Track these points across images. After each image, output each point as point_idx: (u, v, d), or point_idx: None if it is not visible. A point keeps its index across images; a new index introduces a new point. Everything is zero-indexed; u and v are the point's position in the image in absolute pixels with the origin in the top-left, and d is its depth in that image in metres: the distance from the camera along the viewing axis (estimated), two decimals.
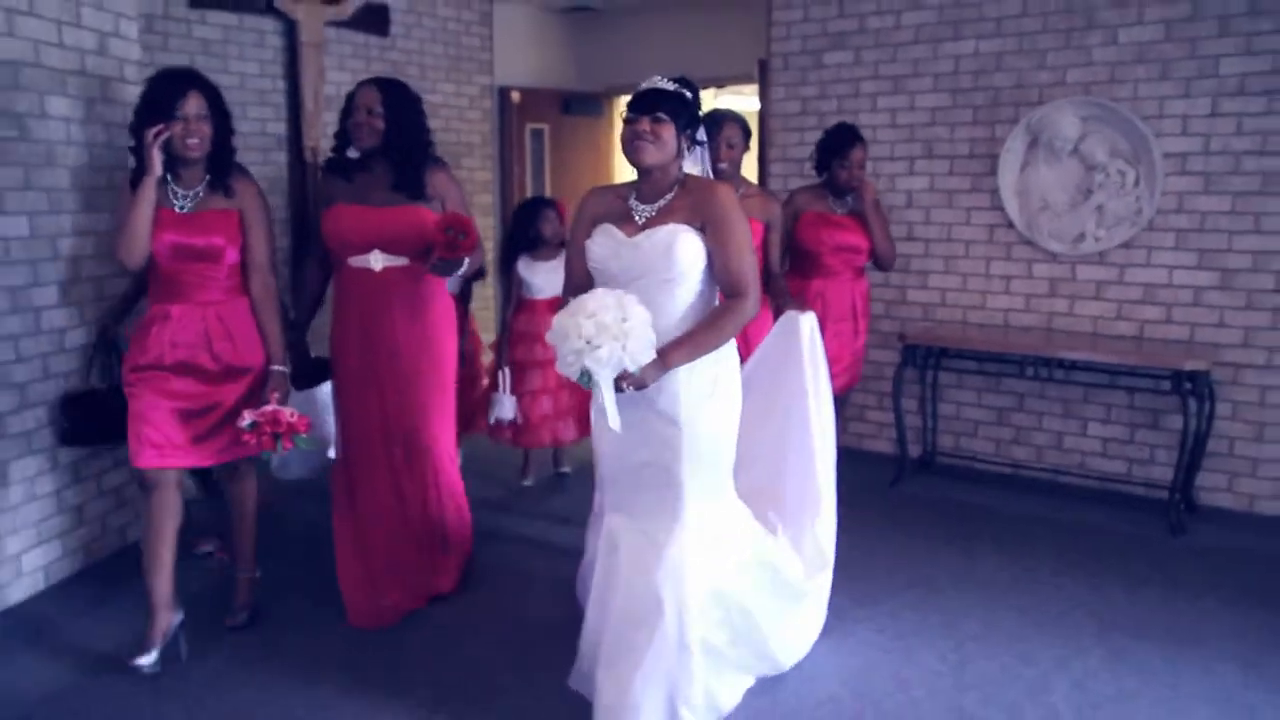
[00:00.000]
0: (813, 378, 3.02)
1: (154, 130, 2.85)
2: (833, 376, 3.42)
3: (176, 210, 2.94)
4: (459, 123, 6.52)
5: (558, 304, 4.23)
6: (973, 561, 3.70)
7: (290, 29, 5.44)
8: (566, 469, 4.86)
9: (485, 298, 6.18)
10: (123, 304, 3.52)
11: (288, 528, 3.96)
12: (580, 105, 7.23)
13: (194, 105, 2.88)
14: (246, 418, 2.88)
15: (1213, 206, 4.22)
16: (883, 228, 4.09)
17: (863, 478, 4.47)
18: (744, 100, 7.34)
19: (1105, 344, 4.35)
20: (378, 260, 3.18)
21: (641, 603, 2.55)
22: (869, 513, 4.12)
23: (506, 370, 4.45)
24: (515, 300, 4.56)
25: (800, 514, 3.03)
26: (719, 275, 2.58)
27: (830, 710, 2.71)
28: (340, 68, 5.65)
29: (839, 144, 4.03)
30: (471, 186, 6.46)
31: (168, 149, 2.89)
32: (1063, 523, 4.15)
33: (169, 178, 2.95)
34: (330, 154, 3.30)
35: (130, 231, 2.87)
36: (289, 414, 2.92)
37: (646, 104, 2.57)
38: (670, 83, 2.62)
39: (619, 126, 6.75)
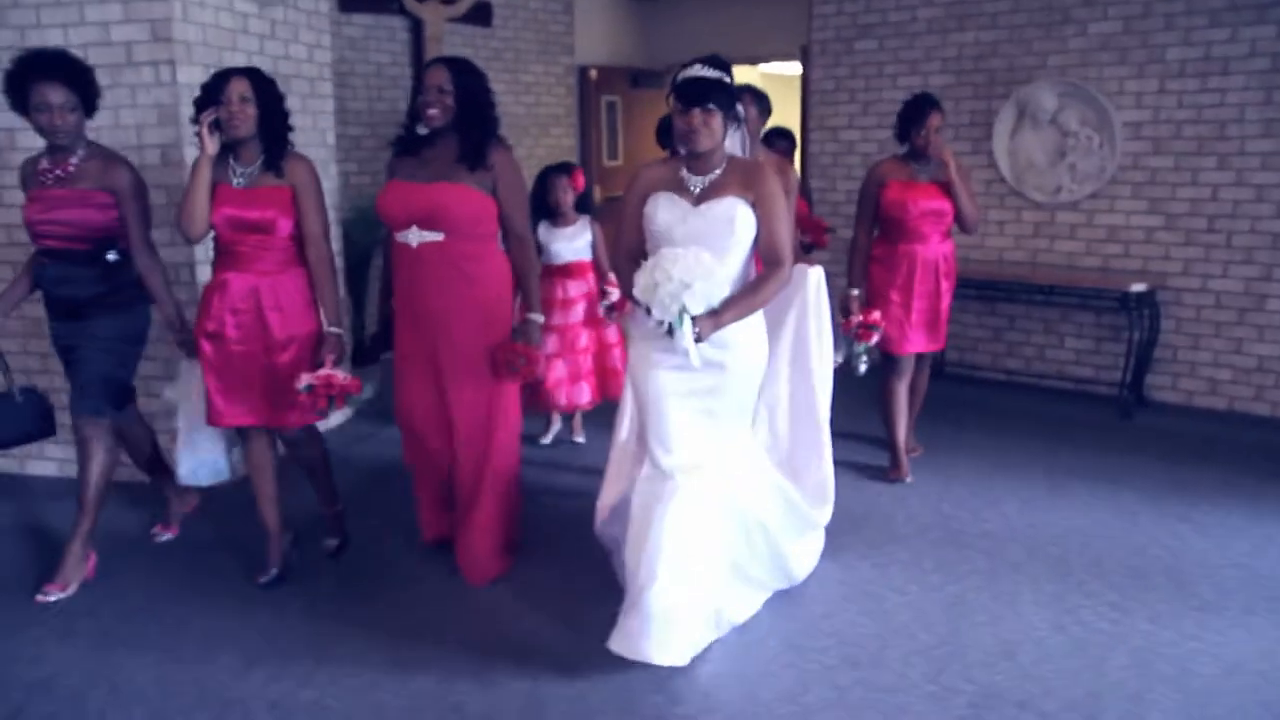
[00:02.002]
0: (816, 328, 3.31)
1: (205, 114, 3.06)
2: (917, 336, 4.17)
3: (234, 186, 3.12)
4: (547, 97, 7.73)
5: (574, 269, 4.47)
6: (960, 434, 4.90)
7: (416, 25, 6.66)
8: (580, 438, 4.84)
9: None
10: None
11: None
12: (647, 80, 8.41)
13: (236, 90, 3.04)
14: (303, 380, 3.08)
15: (1160, 164, 5.34)
16: (969, 194, 4.14)
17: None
18: (786, 69, 8.46)
19: (1078, 274, 5.51)
20: (415, 236, 3.16)
21: (687, 528, 2.75)
22: None
23: None
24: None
25: (805, 451, 3.37)
26: (762, 244, 2.81)
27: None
28: (455, 54, 6.87)
29: (915, 113, 4.10)
30: (559, 151, 7.66)
31: (219, 129, 3.08)
32: (1038, 413, 5.34)
33: (231, 157, 3.14)
34: (401, 129, 3.27)
35: (187, 205, 3.08)
36: (342, 377, 3.09)
37: (696, 95, 2.69)
38: (710, 69, 2.74)
39: None
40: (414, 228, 3.15)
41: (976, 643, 2.92)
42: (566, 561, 3.51)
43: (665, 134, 3.99)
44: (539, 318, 3.31)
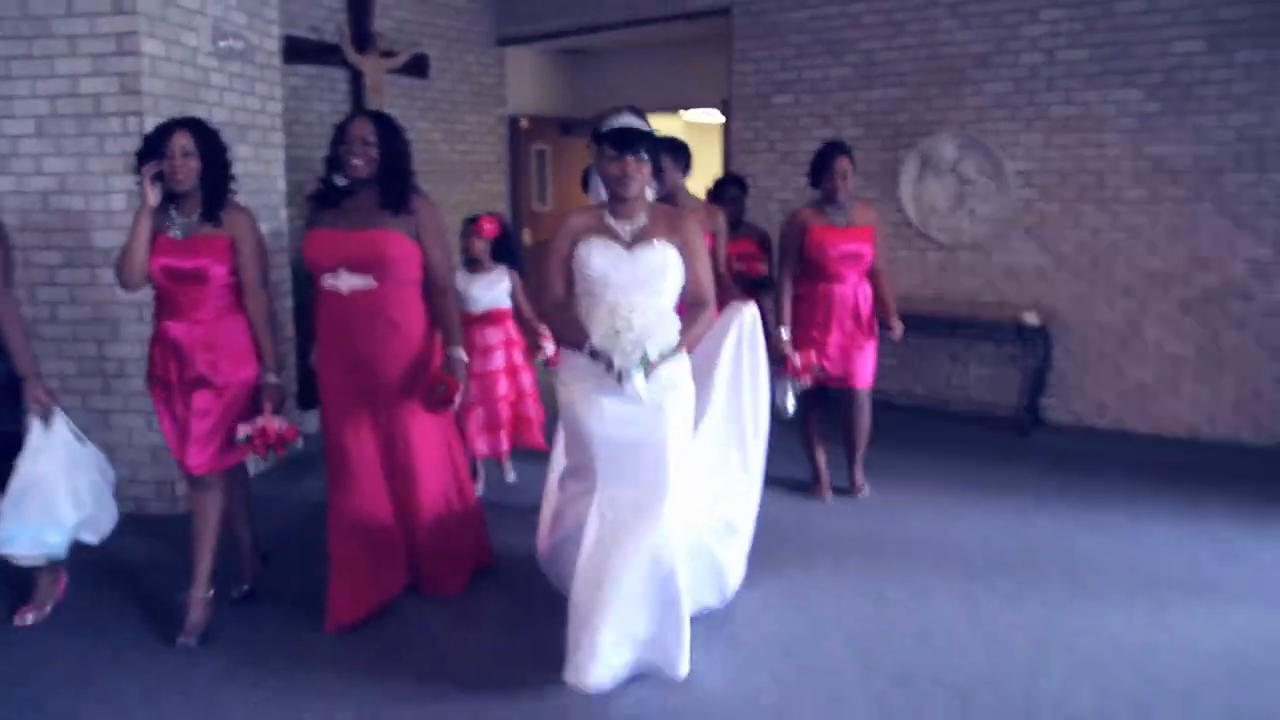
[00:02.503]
0: (750, 363, 3.47)
1: (147, 166, 3.08)
2: (837, 371, 4.38)
3: (171, 236, 3.15)
4: (480, 145, 8.06)
5: (492, 317, 4.48)
6: (877, 454, 5.29)
7: (356, 77, 6.93)
8: (512, 476, 4.84)
9: None
10: None
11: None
12: (575, 128, 8.82)
13: (179, 143, 3.09)
14: (240, 431, 3.12)
15: (1048, 209, 5.92)
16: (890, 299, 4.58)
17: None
18: (709, 116, 8.96)
19: (978, 308, 6.03)
20: (345, 281, 3.25)
21: (640, 560, 2.83)
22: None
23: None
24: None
25: (733, 476, 3.50)
26: (689, 287, 2.99)
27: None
28: (391, 105, 7.12)
29: (824, 159, 4.36)
30: (491, 197, 8.01)
31: (161, 181, 3.10)
32: (945, 433, 5.81)
33: (172, 208, 3.17)
34: (319, 183, 3.38)
35: (128, 256, 3.12)
36: (279, 425, 3.13)
37: (628, 143, 2.88)
38: (638, 119, 2.97)
39: None
40: (342, 271, 3.24)
41: (896, 630, 3.29)
42: (520, 586, 3.64)
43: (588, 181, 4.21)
44: (461, 353, 3.36)
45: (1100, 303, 5.82)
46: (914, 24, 6.22)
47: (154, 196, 3.09)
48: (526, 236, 8.21)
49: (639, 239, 2.94)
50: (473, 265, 4.56)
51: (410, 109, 7.26)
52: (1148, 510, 4.41)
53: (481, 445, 4.55)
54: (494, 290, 4.55)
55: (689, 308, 3.00)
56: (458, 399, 3.30)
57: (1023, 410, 5.88)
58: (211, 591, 3.29)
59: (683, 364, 3.00)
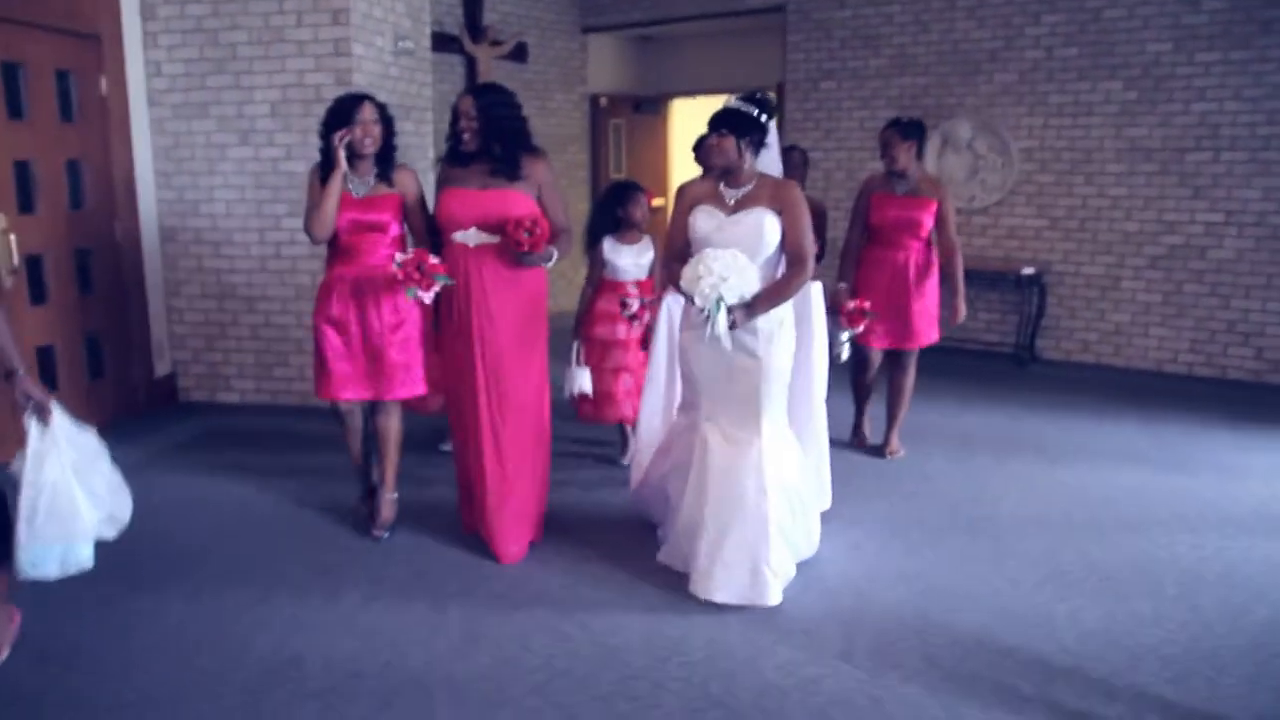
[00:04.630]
0: (816, 332, 3.61)
1: (339, 134, 3.42)
2: (883, 333, 4.61)
3: (353, 195, 3.52)
4: (567, 120, 9.40)
5: (641, 286, 4.47)
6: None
7: (470, 63, 8.29)
8: (627, 460, 4.65)
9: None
10: None
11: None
12: (647, 106, 10.14)
13: (368, 112, 3.47)
14: (397, 258, 3.37)
15: (1045, 180, 7.19)
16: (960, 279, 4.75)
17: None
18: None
19: (987, 262, 7.32)
20: (474, 237, 3.47)
21: (733, 489, 3.18)
22: None
23: (578, 344, 4.53)
24: (597, 280, 4.58)
25: (804, 434, 3.64)
26: (787, 248, 3.24)
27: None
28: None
29: (882, 139, 4.62)
30: (575, 167, 9.36)
31: (348, 147, 3.45)
32: (958, 366, 7.12)
33: (347, 170, 3.49)
34: (447, 145, 3.60)
35: (323, 213, 3.44)
36: (433, 259, 3.37)
37: (713, 122, 3.25)
38: (739, 102, 3.25)
39: (674, 122, 9.65)
40: (474, 229, 3.46)
41: (947, 582, 4.00)
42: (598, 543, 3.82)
43: (698, 150, 5.08)
44: (552, 250, 3.50)
45: (1086, 258, 7.10)
46: (938, 23, 7.47)
47: (344, 160, 3.47)
48: None
49: (741, 205, 3.26)
50: (623, 234, 4.55)
51: (515, 87, 8.60)
52: (1112, 419, 5.72)
53: (627, 408, 4.51)
54: (641, 259, 4.58)
55: (786, 265, 3.30)
56: (545, 249, 3.44)
57: (1021, 348, 7.20)
58: (396, 494, 3.84)
59: (780, 312, 3.27)
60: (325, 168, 3.52)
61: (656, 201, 4.90)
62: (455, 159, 3.56)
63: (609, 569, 3.58)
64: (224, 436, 5.27)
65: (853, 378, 4.95)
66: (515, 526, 3.64)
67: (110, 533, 2.86)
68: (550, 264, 3.57)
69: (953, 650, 2.99)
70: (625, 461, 4.69)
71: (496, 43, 8.38)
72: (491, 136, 3.44)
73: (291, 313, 5.75)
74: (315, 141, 4.99)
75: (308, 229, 3.53)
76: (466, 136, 3.47)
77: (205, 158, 5.66)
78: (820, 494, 3.76)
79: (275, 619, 3.20)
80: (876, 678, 2.83)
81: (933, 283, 4.75)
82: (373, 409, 3.77)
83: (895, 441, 4.96)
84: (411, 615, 3.23)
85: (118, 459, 2.95)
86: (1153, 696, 2.73)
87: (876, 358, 4.85)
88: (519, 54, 8.65)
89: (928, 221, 4.63)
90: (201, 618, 3.22)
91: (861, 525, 3.98)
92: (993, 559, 3.68)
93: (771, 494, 3.22)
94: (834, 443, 4.12)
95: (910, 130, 4.60)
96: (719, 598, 3.18)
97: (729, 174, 3.29)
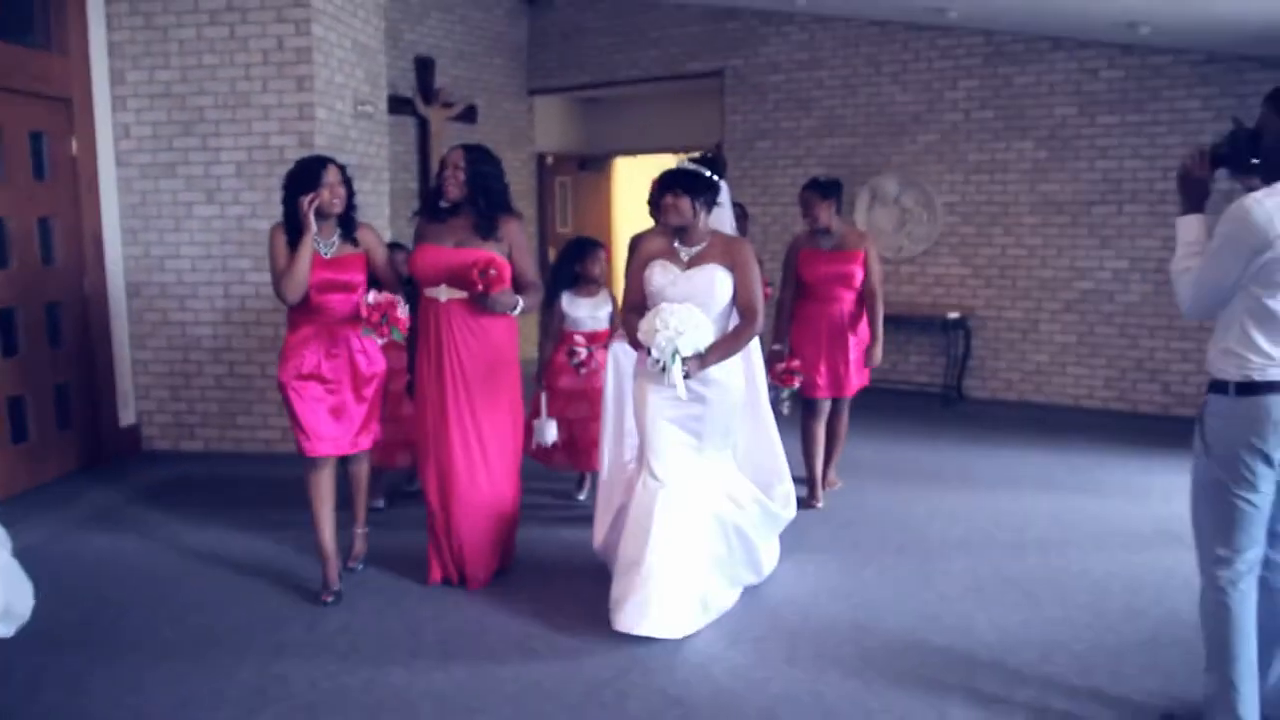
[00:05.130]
0: (761, 381, 3.87)
1: (308, 198, 3.51)
2: (825, 383, 4.78)
3: (323, 255, 3.61)
4: (514, 178, 9.50)
5: (598, 337, 4.64)
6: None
7: (423, 124, 8.66)
8: (583, 495, 4.95)
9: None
10: None
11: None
12: (591, 164, 10.59)
13: (333, 175, 3.58)
14: (371, 297, 3.52)
15: (968, 231, 7.71)
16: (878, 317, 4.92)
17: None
18: None
19: (916, 308, 7.80)
20: (444, 293, 3.64)
21: (676, 525, 3.34)
22: None
23: (544, 395, 4.69)
24: (556, 333, 4.78)
25: (768, 469, 3.88)
26: (739, 303, 3.43)
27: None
28: (446, 144, 8.82)
29: (803, 199, 4.83)
30: (523, 222, 9.70)
31: (315, 210, 3.53)
32: (891, 405, 7.54)
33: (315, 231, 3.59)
34: (424, 200, 3.93)
35: (297, 275, 3.51)
36: (401, 310, 3.53)
37: (667, 182, 3.41)
38: (691, 164, 3.45)
39: (618, 179, 10.05)
40: (443, 285, 3.64)
41: (880, 596, 4.21)
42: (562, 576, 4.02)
43: (653, 205, 5.01)
44: (516, 298, 3.66)
45: (1007, 303, 7.61)
46: (865, 87, 8.02)
47: (314, 223, 3.55)
48: (550, 254, 9.92)
49: (695, 261, 3.45)
50: (581, 288, 4.75)
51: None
52: (1032, 451, 6.16)
53: (596, 457, 4.39)
54: (599, 311, 4.79)
55: (739, 317, 3.49)
56: (506, 296, 3.61)
57: (949, 387, 7.65)
58: (366, 529, 4.09)
59: (731, 368, 3.48)
60: (291, 229, 3.59)
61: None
62: (434, 214, 3.74)
63: (572, 595, 3.83)
64: (189, 484, 5.43)
65: (804, 428, 4.97)
66: (486, 554, 3.87)
67: (7, 630, 2.49)
68: (516, 311, 3.71)
69: (886, 652, 3.31)
70: (581, 497, 4.94)
71: (448, 105, 8.76)
72: (477, 192, 3.63)
73: (256, 363, 5.96)
74: (279, 199, 5.34)
75: (280, 291, 3.59)
76: (450, 186, 3.63)
77: (172, 215, 5.90)
78: (786, 505, 3.86)
79: (258, 644, 3.41)
80: (818, 676, 3.14)
81: (863, 331, 4.95)
82: (344, 459, 3.87)
83: (833, 474, 5.24)
84: (389, 638, 3.47)
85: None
86: (1060, 683, 3.07)
87: (825, 406, 4.97)
88: (469, 115, 9.03)
89: (858, 272, 4.81)
90: (187, 641, 3.41)
91: (802, 550, 4.28)
92: (921, 576, 4.02)
93: (714, 528, 3.47)
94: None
95: (828, 189, 4.80)
96: (666, 632, 3.29)
97: (683, 231, 3.47)
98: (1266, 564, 2.60)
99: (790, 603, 3.74)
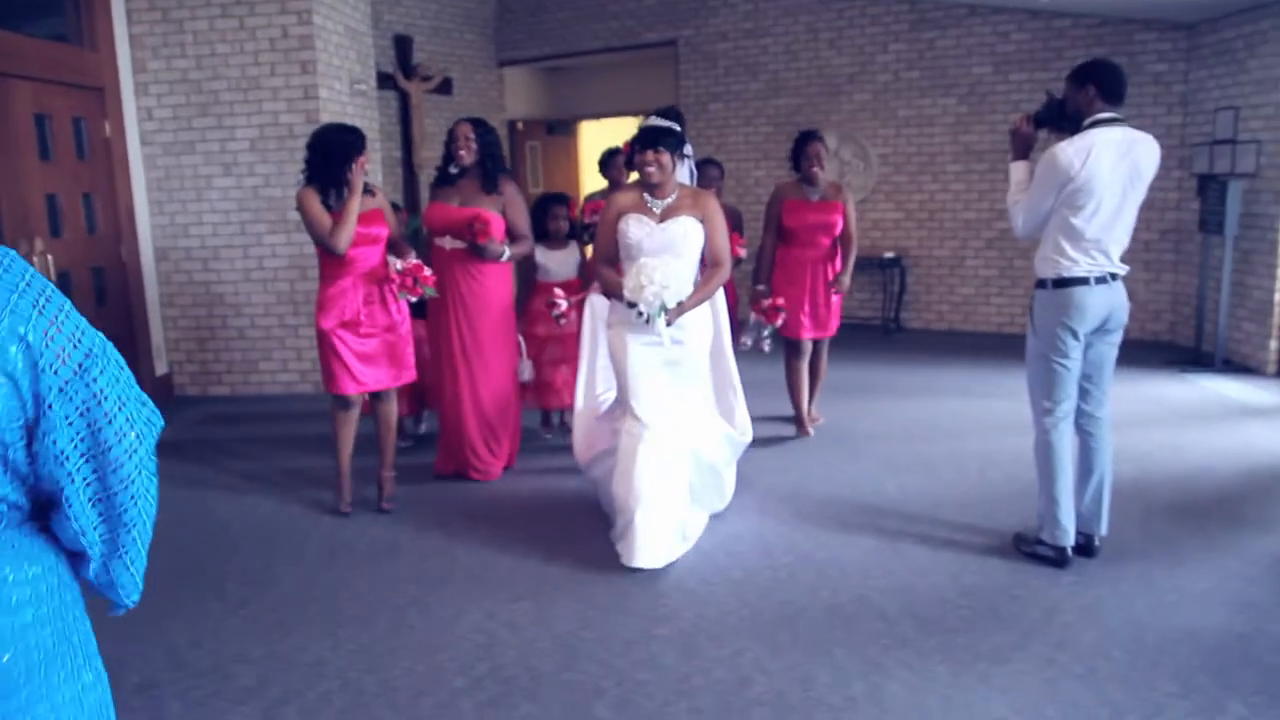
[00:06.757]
0: (723, 322, 4.04)
1: (360, 161, 3.93)
2: (809, 324, 5.09)
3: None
4: None
5: (569, 285, 4.96)
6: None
7: (404, 97, 9.40)
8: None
9: None
10: None
11: None
12: (558, 128, 11.36)
13: (365, 148, 4.03)
14: (398, 264, 3.98)
15: (900, 180, 8.62)
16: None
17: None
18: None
19: (858, 249, 8.68)
20: (449, 243, 4.35)
21: (661, 468, 3.54)
22: None
23: (522, 340, 4.92)
24: (531, 283, 5.18)
25: (727, 402, 4.12)
26: (710, 250, 3.61)
27: None
28: (428, 116, 9.63)
29: (800, 144, 5.04)
30: None
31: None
32: (838, 338, 8.42)
33: (333, 193, 3.98)
34: (437, 169, 4.48)
35: (348, 229, 3.88)
36: (427, 272, 4.03)
37: (649, 140, 3.50)
38: (662, 120, 3.60)
39: (583, 141, 10.97)
40: (448, 236, 4.36)
41: (812, 472, 5.85)
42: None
43: (603, 165, 5.54)
44: (503, 247, 4.32)
45: (936, 243, 8.54)
46: (805, 52, 8.87)
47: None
48: None
49: (667, 214, 3.59)
50: (550, 243, 5.11)
51: (440, 118, 9.72)
52: (951, 368, 7.13)
53: (566, 395, 4.96)
54: (569, 261, 5.20)
55: (709, 267, 3.68)
56: (494, 246, 4.27)
57: (888, 319, 8.60)
58: (394, 471, 4.42)
59: (702, 311, 3.69)
60: (325, 189, 3.95)
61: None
62: (444, 179, 4.43)
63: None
64: (221, 420, 6.26)
65: (788, 367, 5.32)
66: (493, 449, 4.67)
67: None
68: (505, 258, 4.39)
69: (814, 507, 4.25)
70: (548, 436, 5.41)
71: (426, 78, 9.51)
72: (485, 157, 4.33)
73: (274, 315, 6.77)
74: (290, 170, 6.01)
75: (332, 243, 3.90)
76: (464, 154, 4.29)
77: (194, 187, 6.66)
78: (744, 431, 4.12)
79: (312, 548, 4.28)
80: (760, 523, 4.06)
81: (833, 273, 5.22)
82: (374, 397, 4.26)
83: (814, 410, 5.58)
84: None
85: None
86: (946, 520, 4.04)
87: (808, 347, 5.28)
88: (445, 87, 9.78)
89: (839, 221, 5.09)
90: (252, 539, 4.28)
91: (753, 445, 5.18)
92: (846, 457, 4.98)
93: (690, 463, 3.77)
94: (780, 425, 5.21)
95: (825, 141, 5.10)
96: (653, 564, 3.51)
97: (653, 186, 3.60)
98: (1080, 414, 3.55)
99: (740, 482, 4.64)
